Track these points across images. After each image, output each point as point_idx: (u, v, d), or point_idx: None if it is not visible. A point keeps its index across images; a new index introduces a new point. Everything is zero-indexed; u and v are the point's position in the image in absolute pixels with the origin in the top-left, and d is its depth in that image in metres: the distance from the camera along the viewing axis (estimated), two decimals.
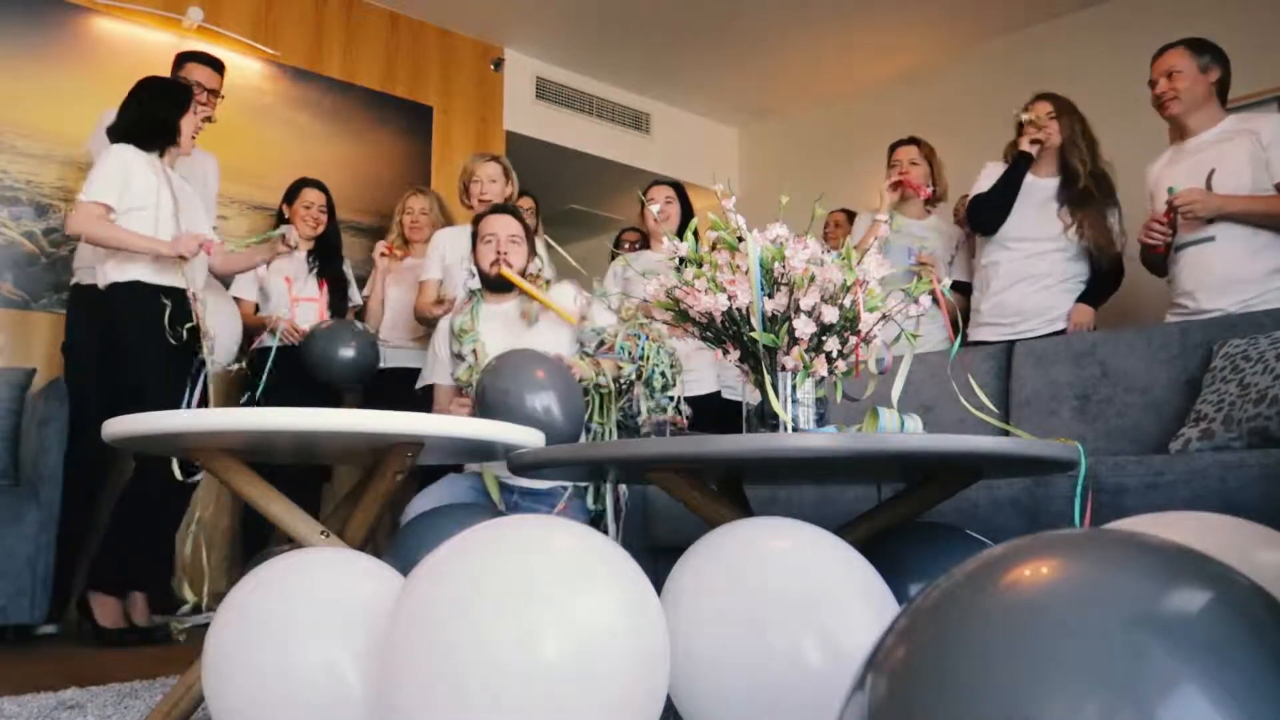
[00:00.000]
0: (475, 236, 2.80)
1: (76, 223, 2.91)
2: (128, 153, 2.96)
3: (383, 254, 3.90)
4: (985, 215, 3.27)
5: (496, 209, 2.86)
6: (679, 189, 3.78)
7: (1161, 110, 2.98)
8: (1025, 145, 3.23)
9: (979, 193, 3.29)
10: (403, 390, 3.41)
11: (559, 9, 4.87)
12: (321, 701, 1.23)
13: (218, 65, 3.51)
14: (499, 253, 2.70)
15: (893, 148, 3.71)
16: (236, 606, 1.33)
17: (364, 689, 1.23)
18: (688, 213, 3.74)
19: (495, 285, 2.73)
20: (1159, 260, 2.99)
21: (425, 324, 3.68)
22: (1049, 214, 3.20)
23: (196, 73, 3.41)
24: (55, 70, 3.77)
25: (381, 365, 3.97)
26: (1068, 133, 3.20)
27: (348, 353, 3.39)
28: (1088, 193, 3.15)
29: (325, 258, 3.78)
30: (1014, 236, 3.23)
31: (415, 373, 3.29)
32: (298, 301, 3.65)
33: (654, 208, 3.64)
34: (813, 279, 1.59)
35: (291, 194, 3.82)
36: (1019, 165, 3.23)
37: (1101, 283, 3.22)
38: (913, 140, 3.69)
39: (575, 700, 1.03)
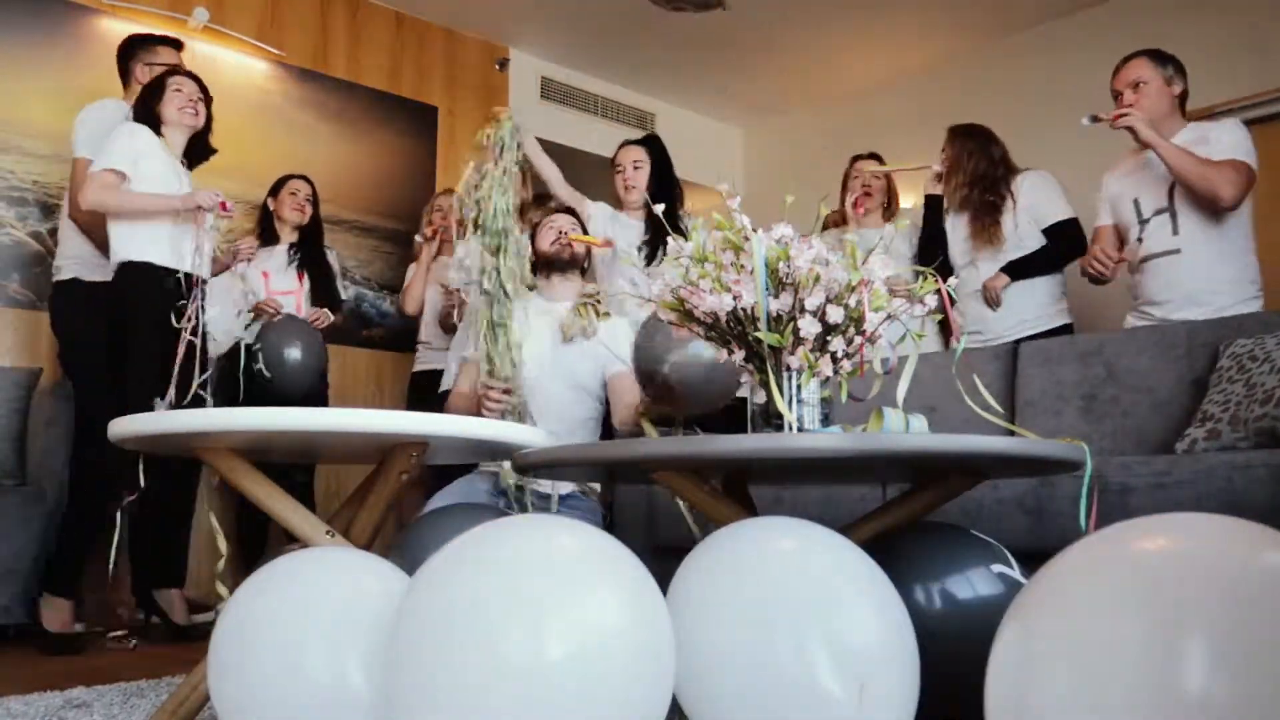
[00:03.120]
0: (536, 230, 2.82)
1: (90, 194, 2.86)
2: (144, 132, 2.96)
3: (427, 237, 3.94)
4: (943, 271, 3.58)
5: (557, 210, 2.92)
6: (653, 147, 3.76)
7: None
8: (933, 186, 3.56)
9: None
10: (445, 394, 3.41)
11: (564, 9, 4.87)
12: (326, 701, 1.23)
13: (176, 44, 3.45)
14: (561, 231, 2.72)
15: (853, 162, 3.91)
16: (242, 606, 1.33)
17: (369, 689, 1.23)
18: (666, 173, 3.72)
19: (559, 265, 2.72)
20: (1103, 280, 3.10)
21: (449, 332, 3.68)
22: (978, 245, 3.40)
23: (163, 54, 3.35)
24: (61, 71, 3.77)
25: (419, 367, 3.99)
26: (965, 175, 3.42)
27: (294, 353, 3.32)
28: (982, 212, 3.36)
29: (307, 249, 3.79)
30: (959, 262, 3.46)
31: None
32: (272, 295, 3.67)
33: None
34: (817, 279, 1.59)
35: (277, 186, 3.84)
36: (930, 215, 3.55)
37: (1039, 256, 3.33)
38: (873, 155, 3.90)
39: (580, 700, 1.03)
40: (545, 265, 2.73)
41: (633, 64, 5.46)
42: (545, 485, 2.52)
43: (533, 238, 2.78)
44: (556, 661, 1.03)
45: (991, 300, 3.31)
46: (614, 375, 2.66)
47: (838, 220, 4.50)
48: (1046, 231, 3.32)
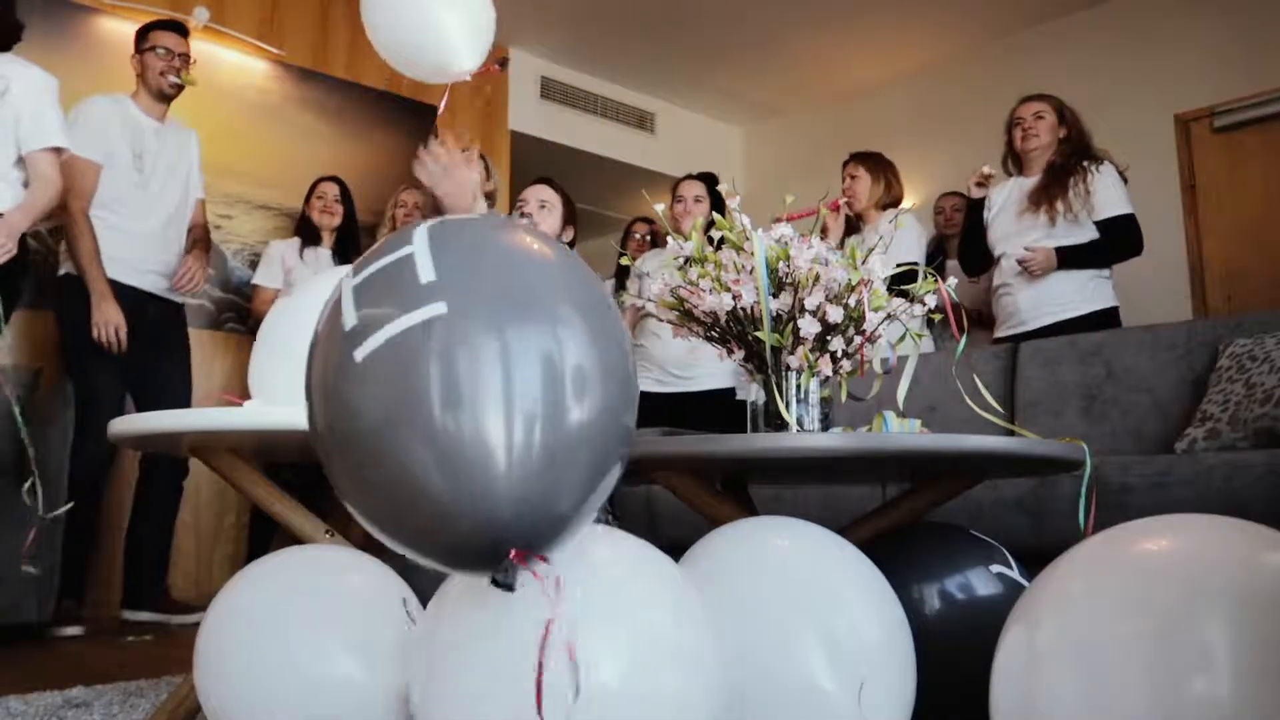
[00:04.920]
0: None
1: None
2: None
3: None
4: (967, 265, 3.53)
5: (535, 181, 2.84)
6: (711, 185, 3.79)
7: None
8: (974, 192, 3.42)
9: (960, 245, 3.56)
10: None
11: (564, 9, 4.87)
12: (313, 698, 1.22)
13: (181, 29, 3.41)
14: (524, 214, 2.68)
15: (845, 166, 3.86)
16: (227, 604, 1.32)
17: (357, 685, 1.22)
18: (718, 210, 3.73)
19: None
20: None
21: None
22: (1032, 212, 3.25)
23: (164, 39, 3.31)
24: (61, 71, 3.75)
25: None
26: (1064, 133, 3.27)
27: None
28: (1056, 175, 3.22)
29: (348, 253, 3.80)
30: (1003, 236, 3.31)
31: None
32: None
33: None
34: (817, 278, 1.59)
35: (310, 191, 3.85)
36: (970, 215, 3.46)
37: (1090, 248, 3.17)
38: (855, 157, 3.83)
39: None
40: None
41: (633, 64, 5.47)
42: None
43: None
44: (606, 683, 0.96)
45: (1027, 266, 3.13)
46: None
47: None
48: (1102, 224, 3.14)
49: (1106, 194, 3.15)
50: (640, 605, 1.03)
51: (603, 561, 1.07)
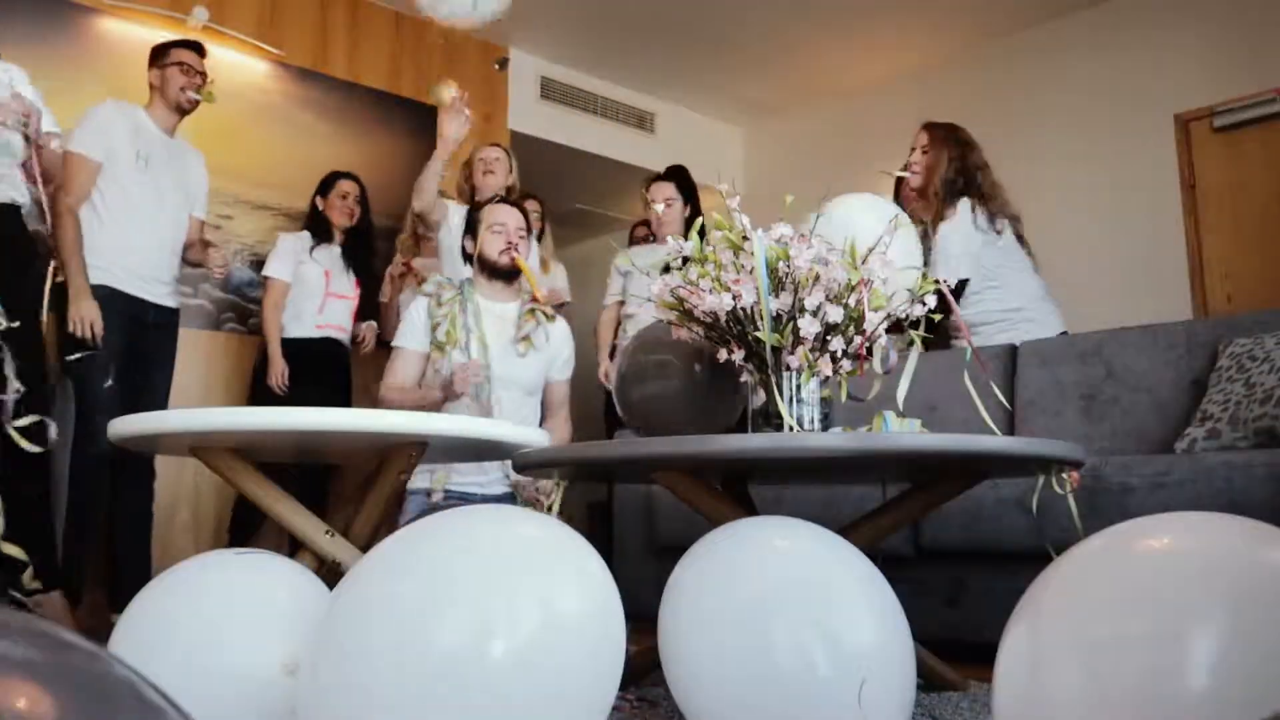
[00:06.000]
0: (476, 224, 2.78)
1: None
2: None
3: (402, 274, 3.87)
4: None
5: (505, 200, 2.88)
6: (681, 182, 3.78)
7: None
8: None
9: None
10: None
11: (564, 8, 4.87)
12: (229, 703, 1.19)
13: (200, 49, 3.43)
14: (509, 242, 2.69)
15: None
16: (141, 610, 1.28)
17: (270, 691, 1.18)
18: (694, 206, 3.74)
19: (501, 274, 2.71)
20: None
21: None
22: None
23: (185, 55, 3.33)
24: (61, 70, 3.77)
25: None
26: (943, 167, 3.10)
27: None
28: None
29: (358, 253, 3.78)
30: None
31: None
32: (331, 297, 3.65)
33: (658, 207, 3.65)
34: (817, 278, 1.59)
35: (325, 185, 3.83)
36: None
37: None
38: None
39: (521, 692, 0.98)
40: (487, 269, 2.72)
41: (633, 64, 5.46)
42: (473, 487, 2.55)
43: (471, 226, 2.79)
44: (492, 653, 0.97)
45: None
46: (553, 381, 2.74)
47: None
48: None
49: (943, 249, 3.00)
50: (539, 579, 1.04)
51: (502, 538, 1.08)
